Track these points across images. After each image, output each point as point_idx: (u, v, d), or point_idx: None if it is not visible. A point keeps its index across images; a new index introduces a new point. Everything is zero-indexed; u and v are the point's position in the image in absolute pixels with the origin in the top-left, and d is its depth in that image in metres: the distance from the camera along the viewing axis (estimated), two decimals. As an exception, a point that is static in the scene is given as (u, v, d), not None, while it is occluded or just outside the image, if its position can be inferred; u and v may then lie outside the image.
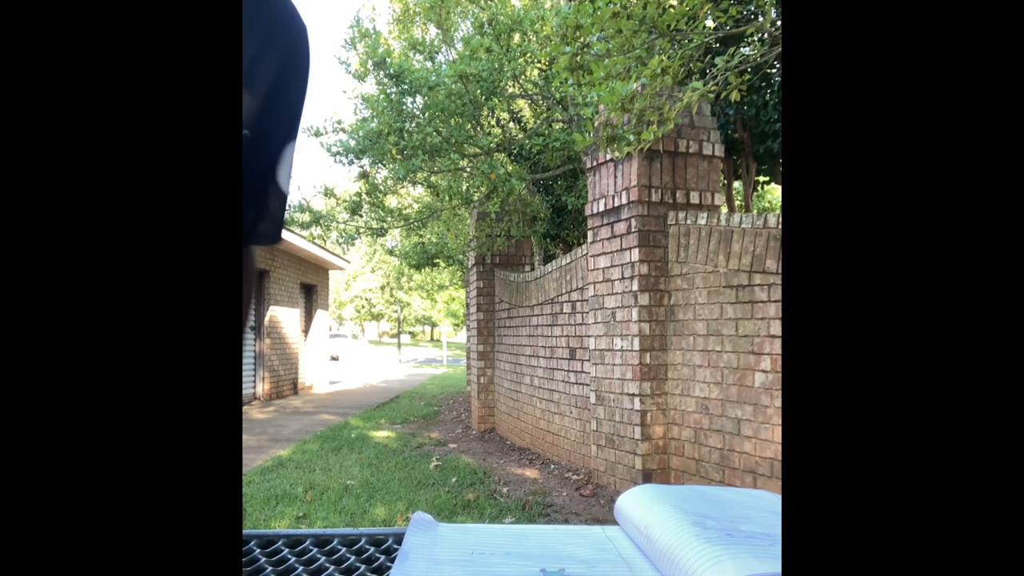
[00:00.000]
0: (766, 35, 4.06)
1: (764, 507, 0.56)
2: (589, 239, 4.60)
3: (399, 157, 8.68)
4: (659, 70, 3.27)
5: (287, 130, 0.58)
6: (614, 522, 0.56)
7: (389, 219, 10.38)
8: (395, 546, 0.57)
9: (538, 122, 8.23)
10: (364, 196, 9.90)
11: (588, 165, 4.54)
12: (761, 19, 4.00)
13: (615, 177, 4.24)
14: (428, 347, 45.05)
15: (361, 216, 10.06)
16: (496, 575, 0.46)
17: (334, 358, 26.00)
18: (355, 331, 46.36)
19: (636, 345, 4.15)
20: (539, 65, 7.99)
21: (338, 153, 9.58)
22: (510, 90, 8.54)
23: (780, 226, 3.30)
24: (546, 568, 0.46)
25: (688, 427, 4.02)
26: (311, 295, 13.79)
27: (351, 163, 9.59)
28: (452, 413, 9.72)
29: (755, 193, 6.93)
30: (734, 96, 3.28)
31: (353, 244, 10.21)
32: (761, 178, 6.32)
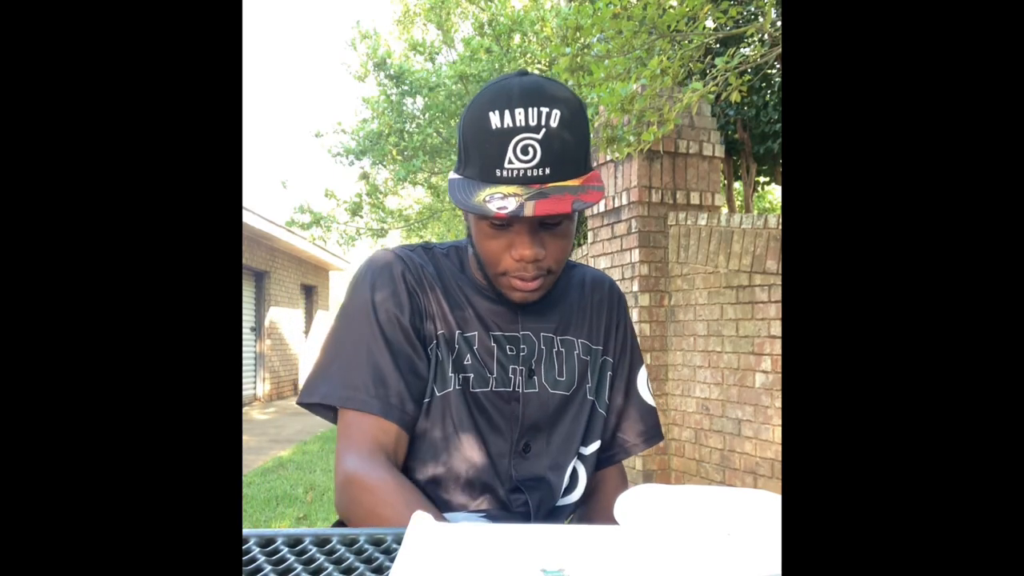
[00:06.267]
0: (766, 36, 4.06)
1: (764, 507, 0.56)
2: (589, 240, 4.60)
3: (399, 158, 8.68)
4: (659, 71, 3.27)
5: None
6: (614, 522, 0.56)
7: (390, 220, 10.37)
8: (395, 546, 0.57)
9: (538, 123, 8.20)
10: (364, 197, 9.90)
11: (588, 166, 4.53)
12: (761, 19, 4.01)
13: (615, 178, 4.25)
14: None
15: (361, 217, 10.06)
16: (496, 575, 0.46)
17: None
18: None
19: (636, 346, 4.15)
20: (539, 66, 7.99)
21: (339, 154, 9.59)
22: (510, 91, 8.50)
23: (780, 226, 3.30)
24: (546, 568, 0.46)
25: (688, 427, 4.02)
26: (312, 296, 13.79)
27: (351, 164, 9.60)
28: (452, 414, 9.67)
29: (755, 193, 6.93)
30: (734, 97, 3.29)
31: (354, 245, 10.21)
32: (761, 178, 6.32)
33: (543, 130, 0.78)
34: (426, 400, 0.89)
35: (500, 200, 0.77)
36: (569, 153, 0.80)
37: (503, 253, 0.84)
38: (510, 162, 0.78)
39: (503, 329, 0.92)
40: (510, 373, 0.91)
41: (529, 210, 0.76)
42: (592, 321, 1.00)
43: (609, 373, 1.00)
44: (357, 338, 0.88)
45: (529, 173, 0.78)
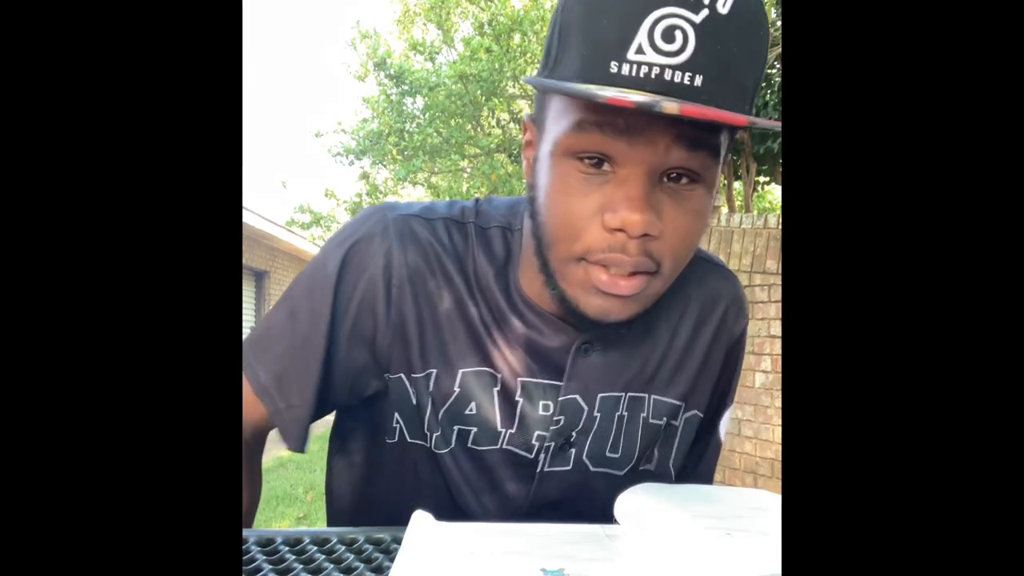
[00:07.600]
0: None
1: (764, 507, 0.56)
2: (589, 240, 4.59)
3: (399, 158, 8.69)
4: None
5: None
6: (614, 521, 0.56)
7: (389, 220, 10.36)
8: (394, 545, 0.57)
9: (538, 123, 8.23)
10: (364, 197, 9.91)
11: (588, 166, 4.53)
12: (761, 20, 4.00)
13: (615, 178, 4.25)
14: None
15: (361, 217, 10.06)
16: (496, 575, 0.46)
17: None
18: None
19: (636, 346, 4.15)
20: (539, 66, 8.00)
21: (339, 154, 9.60)
22: (510, 91, 8.55)
23: (780, 226, 3.30)
24: (546, 568, 0.46)
25: (688, 428, 4.02)
26: (311, 296, 13.77)
27: (351, 164, 9.62)
28: (452, 414, 9.68)
29: (755, 193, 6.93)
30: (734, 97, 3.28)
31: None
32: (761, 178, 6.32)
33: (705, 11, 0.46)
34: (389, 441, 0.69)
35: (617, 93, 0.46)
36: (737, 66, 0.49)
37: (591, 219, 0.52)
38: (639, 51, 0.46)
39: (538, 375, 0.62)
40: (534, 439, 0.63)
41: (672, 108, 0.45)
42: (690, 365, 0.67)
43: (693, 432, 0.70)
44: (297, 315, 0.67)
45: (667, 74, 0.46)
